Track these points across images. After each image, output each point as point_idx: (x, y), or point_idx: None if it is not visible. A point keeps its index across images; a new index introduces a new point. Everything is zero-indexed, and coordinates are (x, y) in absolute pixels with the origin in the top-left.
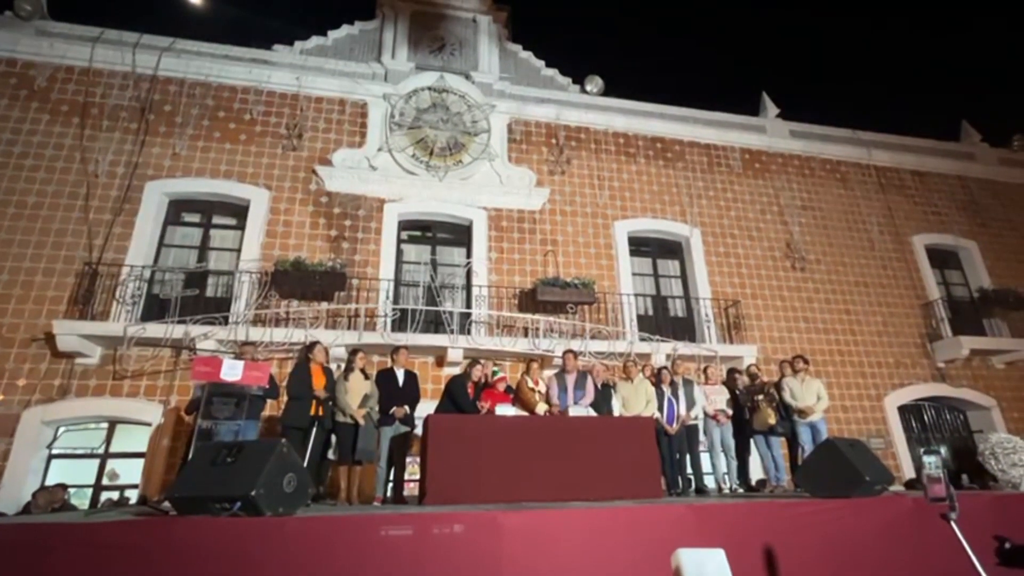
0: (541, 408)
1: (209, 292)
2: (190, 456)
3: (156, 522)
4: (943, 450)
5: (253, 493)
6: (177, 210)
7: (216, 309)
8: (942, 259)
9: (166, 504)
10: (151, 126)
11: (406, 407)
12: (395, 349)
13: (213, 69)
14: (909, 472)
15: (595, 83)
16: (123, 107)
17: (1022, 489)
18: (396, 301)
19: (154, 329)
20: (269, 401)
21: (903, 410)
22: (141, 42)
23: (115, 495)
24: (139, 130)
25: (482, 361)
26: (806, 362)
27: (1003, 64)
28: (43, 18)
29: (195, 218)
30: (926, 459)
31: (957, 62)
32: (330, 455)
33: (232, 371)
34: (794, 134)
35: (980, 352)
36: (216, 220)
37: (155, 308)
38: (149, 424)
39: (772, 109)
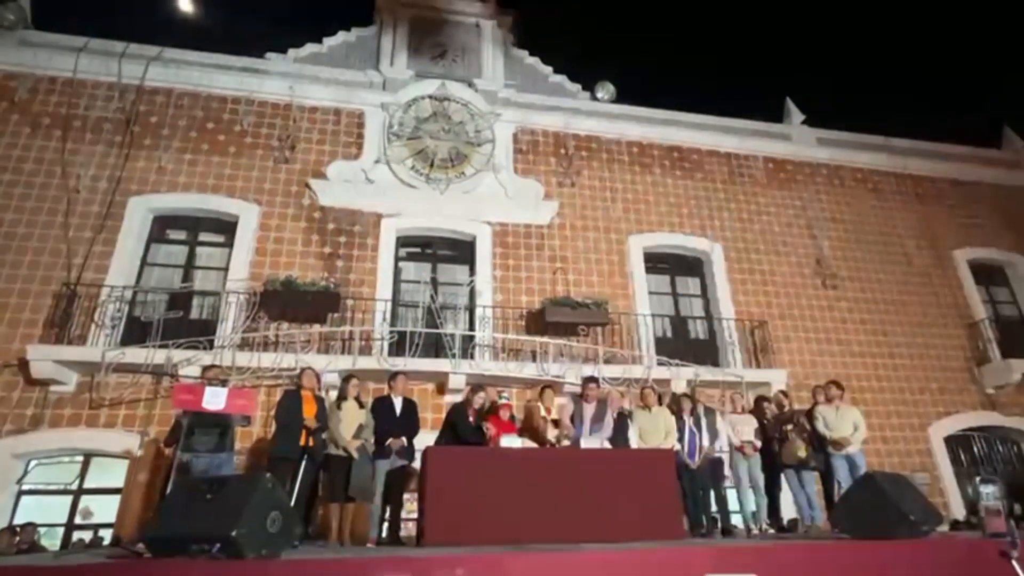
0: (551, 434)
1: (194, 314)
2: (167, 492)
3: (129, 565)
4: (1015, 553)
5: (234, 533)
6: (161, 227)
7: (201, 332)
8: (987, 275)
9: (140, 546)
10: (136, 138)
11: (403, 439)
12: (392, 375)
13: (202, 79)
14: (958, 510)
15: (607, 89)
16: (107, 119)
17: None
18: (394, 323)
19: (134, 354)
20: (240, 429)
21: (950, 441)
22: (127, 52)
23: (88, 535)
24: (123, 143)
25: (485, 387)
26: (840, 388)
27: None
28: (27, 28)
29: (180, 235)
30: (983, 489)
31: (996, 64)
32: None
33: (215, 399)
34: (821, 142)
35: None
36: (203, 237)
37: (136, 331)
38: (126, 457)
39: (797, 115)
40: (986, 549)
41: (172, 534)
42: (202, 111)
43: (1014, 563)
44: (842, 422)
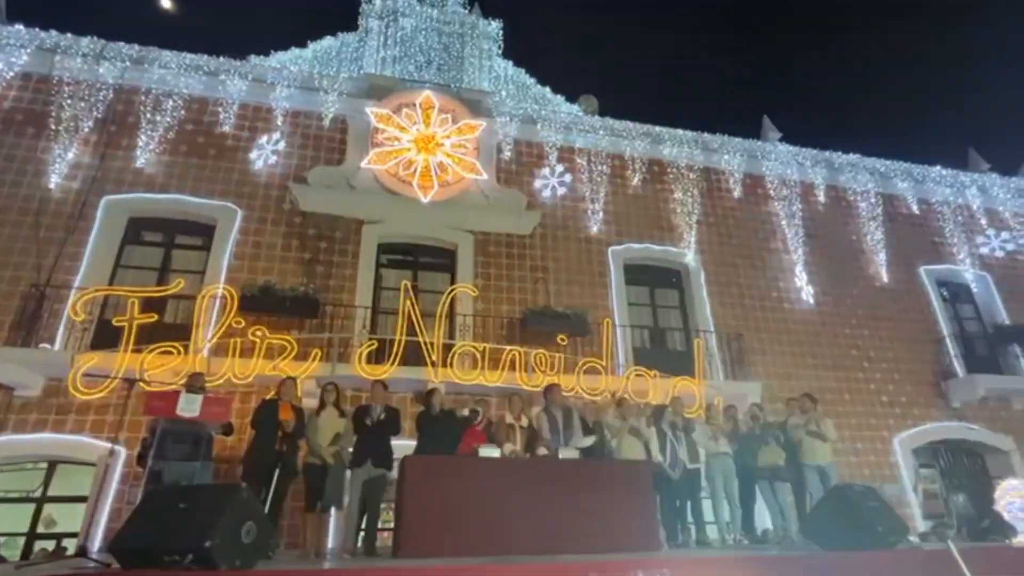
0: (507, 447)
1: (168, 318)
2: (138, 501)
3: None
4: (961, 497)
5: (208, 544)
6: (137, 228)
7: (176, 337)
8: (954, 292)
9: (107, 556)
10: (112, 138)
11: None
12: (372, 383)
13: (182, 79)
14: (925, 521)
15: (590, 102)
16: (82, 117)
17: None
18: (374, 331)
19: (105, 358)
20: (217, 438)
21: (917, 454)
22: (106, 51)
23: (51, 544)
24: (99, 142)
25: (439, 388)
26: (814, 401)
27: (1012, 92)
28: (1, 23)
29: (156, 237)
30: (922, 473)
31: (964, 89)
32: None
33: (190, 406)
34: (797, 159)
35: (997, 392)
36: (179, 240)
37: (107, 335)
38: (93, 464)
39: (774, 133)
40: (948, 561)
41: (142, 544)
42: (182, 112)
43: (950, 544)
44: (814, 436)
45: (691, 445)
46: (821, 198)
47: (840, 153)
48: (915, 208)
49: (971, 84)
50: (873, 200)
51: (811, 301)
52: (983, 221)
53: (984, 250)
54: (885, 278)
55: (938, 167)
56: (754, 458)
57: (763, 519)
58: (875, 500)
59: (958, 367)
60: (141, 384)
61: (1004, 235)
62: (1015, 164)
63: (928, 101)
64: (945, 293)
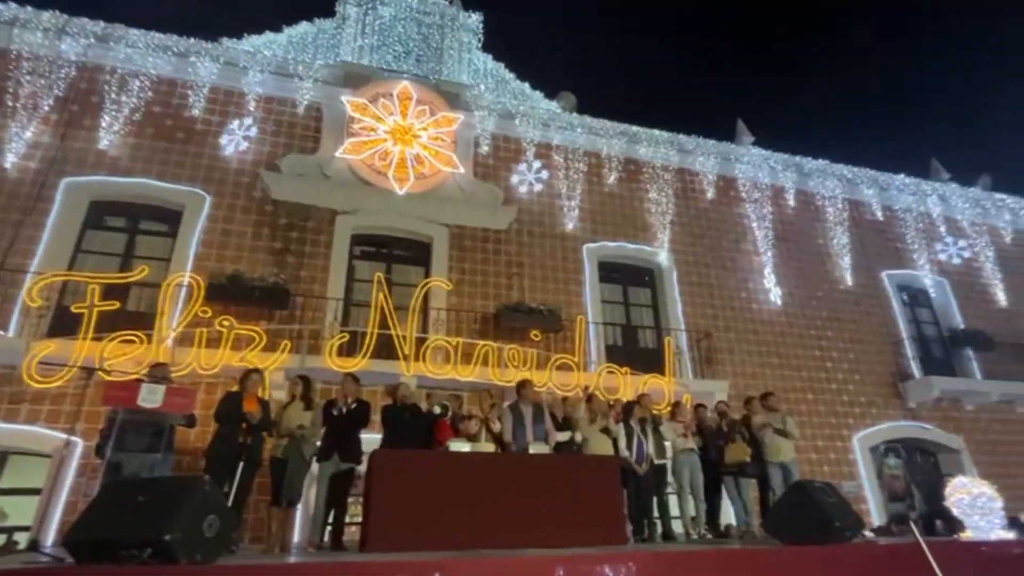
0: (478, 443)
1: (131, 306)
2: (95, 493)
3: (48, 572)
4: (913, 515)
5: (167, 537)
6: (99, 212)
7: (138, 325)
8: (913, 297)
9: (61, 550)
10: (74, 118)
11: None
12: (343, 376)
13: (149, 60)
14: (880, 516)
15: (568, 100)
16: (42, 95)
17: (991, 537)
18: (345, 323)
19: (62, 346)
20: (180, 429)
21: (875, 452)
22: (68, 26)
23: (2, 539)
24: (59, 121)
25: (407, 382)
26: (775, 398)
27: (976, 106)
28: None
29: (119, 222)
30: (887, 460)
31: (932, 102)
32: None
33: (152, 396)
34: (769, 163)
35: (950, 393)
36: (144, 226)
37: (66, 322)
38: (48, 456)
39: (747, 136)
40: (901, 556)
41: (98, 538)
42: (149, 93)
43: (912, 525)
44: (779, 434)
45: (658, 441)
46: (791, 202)
47: (810, 158)
48: (879, 214)
49: (937, 95)
50: (840, 205)
51: (778, 302)
52: (942, 229)
53: (942, 257)
54: (849, 281)
55: (902, 175)
56: (719, 455)
57: (727, 514)
58: (833, 496)
59: (915, 369)
60: (100, 373)
61: (961, 243)
62: (975, 175)
63: (896, 110)
64: (905, 297)
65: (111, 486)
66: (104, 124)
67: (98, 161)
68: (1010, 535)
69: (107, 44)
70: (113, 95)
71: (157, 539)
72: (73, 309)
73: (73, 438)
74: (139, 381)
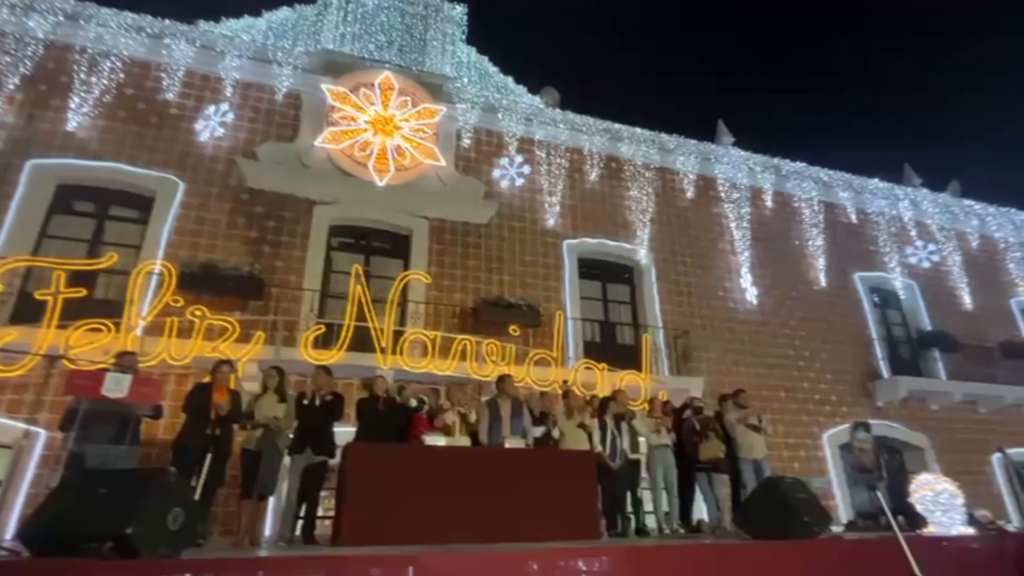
0: (452, 438)
1: (99, 294)
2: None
3: (1, 566)
4: (881, 487)
5: (129, 531)
6: (66, 196)
7: (106, 314)
8: (884, 298)
9: (17, 543)
10: (41, 98)
11: None
12: (316, 368)
13: (122, 40)
14: (847, 512)
15: (551, 95)
16: (7, 73)
17: (952, 532)
18: (322, 315)
19: (25, 333)
20: (147, 421)
21: (844, 450)
22: (36, 2)
23: None
24: (25, 101)
25: (383, 376)
26: (745, 395)
27: (945, 114)
28: None
29: (88, 207)
30: (856, 434)
31: (907, 107)
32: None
33: (117, 386)
34: (748, 164)
35: (917, 393)
36: (114, 211)
37: (29, 309)
38: (8, 447)
39: (728, 137)
40: (866, 550)
41: (56, 531)
42: (121, 75)
43: (879, 494)
44: (752, 430)
45: (633, 436)
46: (768, 203)
47: (787, 161)
48: (853, 217)
49: (911, 100)
50: (816, 207)
51: (754, 302)
52: (913, 233)
53: (912, 260)
54: (823, 282)
55: (876, 179)
56: (694, 451)
57: (700, 510)
58: (803, 492)
59: (884, 369)
60: (65, 362)
61: (931, 247)
62: (945, 181)
63: (872, 114)
64: (876, 299)
65: (71, 477)
66: (73, 105)
67: (66, 143)
68: (969, 530)
69: (77, 22)
70: (83, 75)
71: (119, 532)
72: (37, 296)
73: (35, 428)
74: (104, 370)
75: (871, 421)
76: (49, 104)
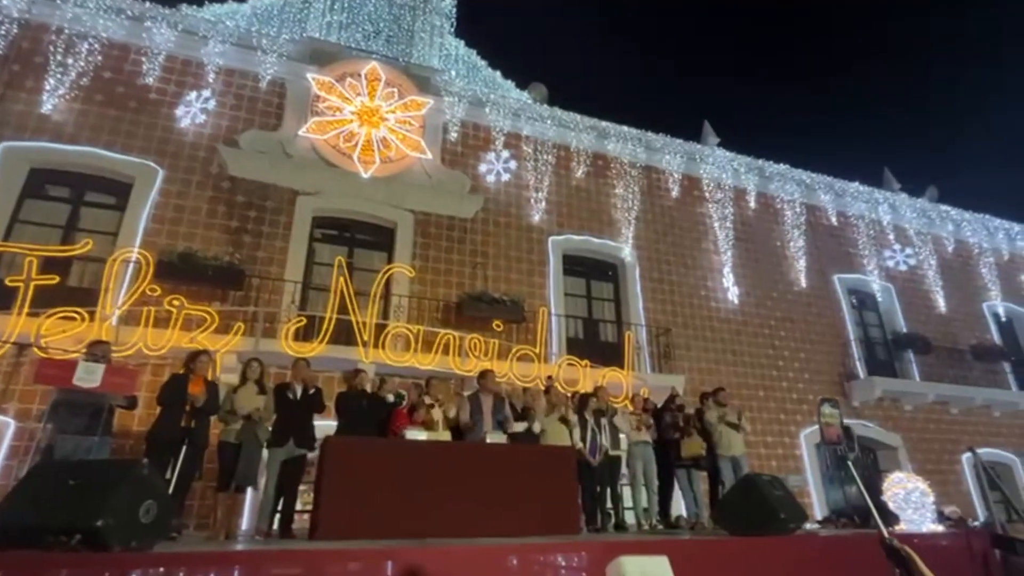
0: (420, 434)
1: (73, 281)
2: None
3: None
4: (852, 457)
5: (99, 523)
6: (40, 181)
7: (80, 302)
8: (861, 300)
9: None
10: (14, 78)
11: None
12: (294, 360)
13: (100, 22)
14: (822, 509)
15: (539, 91)
16: None
17: (922, 529)
18: (303, 307)
19: None
20: (120, 411)
21: (820, 448)
22: None
23: None
24: None
25: (365, 370)
26: (725, 393)
27: (927, 120)
28: None
29: (62, 192)
30: (823, 408)
31: (888, 112)
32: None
33: (89, 376)
34: (732, 165)
35: (891, 393)
36: (90, 197)
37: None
38: None
39: (713, 138)
40: (840, 547)
41: (21, 523)
42: (99, 58)
43: (850, 464)
44: (731, 428)
45: (614, 433)
46: (751, 204)
47: (771, 162)
48: (834, 220)
49: (893, 106)
50: (798, 209)
51: (735, 301)
52: (891, 236)
53: (890, 263)
54: (803, 283)
55: (856, 183)
56: (675, 447)
57: (678, 506)
58: (780, 489)
59: (860, 369)
60: (36, 350)
61: (908, 251)
62: (923, 186)
63: (855, 119)
64: (854, 301)
65: (39, 468)
66: (48, 87)
67: (40, 126)
68: (939, 528)
69: (54, 2)
70: (59, 57)
71: (88, 524)
72: (7, 282)
73: (3, 418)
74: (76, 359)
75: (846, 421)
76: (23, 85)
